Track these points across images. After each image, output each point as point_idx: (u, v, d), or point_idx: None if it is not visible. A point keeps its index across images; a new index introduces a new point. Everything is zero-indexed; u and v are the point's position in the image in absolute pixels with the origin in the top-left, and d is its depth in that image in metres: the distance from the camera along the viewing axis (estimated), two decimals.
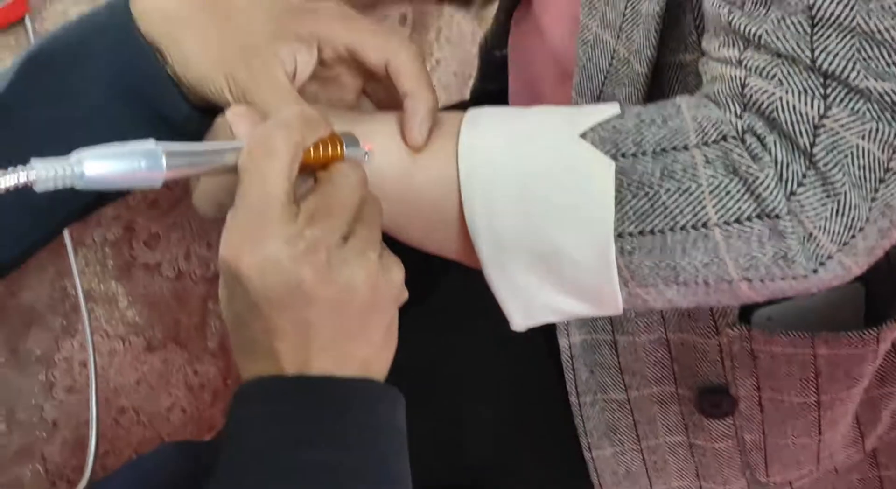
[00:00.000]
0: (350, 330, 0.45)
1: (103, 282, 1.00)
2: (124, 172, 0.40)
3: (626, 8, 0.55)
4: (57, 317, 0.97)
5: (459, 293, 0.70)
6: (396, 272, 0.47)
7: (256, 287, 0.43)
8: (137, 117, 0.53)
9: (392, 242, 0.51)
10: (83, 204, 0.57)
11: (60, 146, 0.43)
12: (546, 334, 0.68)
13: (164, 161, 0.41)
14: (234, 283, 0.44)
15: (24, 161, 0.40)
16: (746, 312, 0.65)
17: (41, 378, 0.97)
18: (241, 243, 0.43)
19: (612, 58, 0.57)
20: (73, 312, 0.97)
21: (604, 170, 0.47)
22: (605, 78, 0.58)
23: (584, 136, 0.48)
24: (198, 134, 0.57)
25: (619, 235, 0.47)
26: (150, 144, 0.41)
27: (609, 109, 0.50)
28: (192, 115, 0.54)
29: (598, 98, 0.59)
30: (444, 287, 0.77)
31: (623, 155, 0.47)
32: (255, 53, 0.51)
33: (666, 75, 0.57)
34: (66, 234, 0.93)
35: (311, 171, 0.47)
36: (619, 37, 0.56)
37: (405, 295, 0.48)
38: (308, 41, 0.52)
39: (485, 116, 0.52)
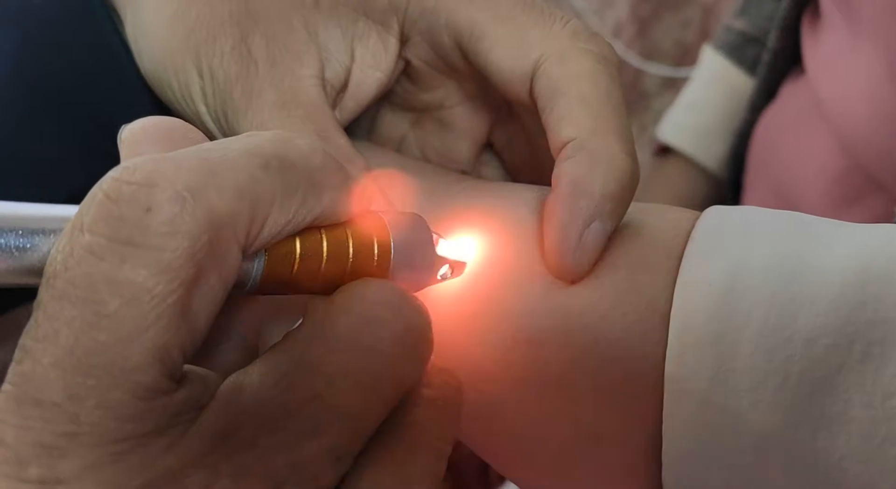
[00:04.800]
0: None
1: None
2: None
3: None
4: None
5: None
6: None
7: None
8: (63, 131, 0.29)
9: None
10: None
11: None
12: None
13: None
14: None
15: None
16: None
17: None
18: None
19: None
20: None
21: None
22: None
23: None
24: None
25: None
26: None
27: None
28: None
29: None
30: None
31: None
32: (264, 31, 0.25)
33: None
34: None
35: (291, 292, 0.21)
36: None
37: None
38: (382, 20, 0.27)
39: (749, 223, 0.23)
